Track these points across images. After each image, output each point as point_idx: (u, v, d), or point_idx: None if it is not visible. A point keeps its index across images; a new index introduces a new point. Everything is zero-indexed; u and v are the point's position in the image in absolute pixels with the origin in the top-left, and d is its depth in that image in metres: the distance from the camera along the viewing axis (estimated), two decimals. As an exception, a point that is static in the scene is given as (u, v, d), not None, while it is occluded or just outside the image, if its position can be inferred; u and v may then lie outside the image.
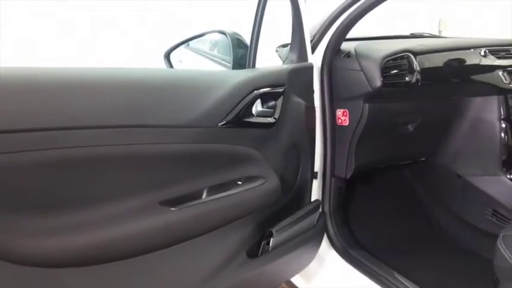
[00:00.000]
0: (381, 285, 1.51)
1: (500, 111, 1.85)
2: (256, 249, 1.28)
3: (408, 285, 1.47)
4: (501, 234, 1.18)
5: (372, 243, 1.77)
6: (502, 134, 1.85)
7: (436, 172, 2.10)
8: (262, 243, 1.29)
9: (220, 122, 1.09)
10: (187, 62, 1.91)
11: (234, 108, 1.12)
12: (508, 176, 1.83)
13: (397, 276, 1.51)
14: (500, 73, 1.79)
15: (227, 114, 1.11)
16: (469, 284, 1.56)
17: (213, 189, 1.10)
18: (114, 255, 0.96)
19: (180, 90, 1.09)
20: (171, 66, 1.79)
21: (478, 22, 3.60)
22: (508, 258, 1.09)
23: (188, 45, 1.86)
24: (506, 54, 1.85)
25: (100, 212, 0.93)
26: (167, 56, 1.79)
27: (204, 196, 1.08)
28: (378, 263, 1.59)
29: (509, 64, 1.83)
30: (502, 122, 1.85)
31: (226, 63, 1.60)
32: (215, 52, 1.83)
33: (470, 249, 1.85)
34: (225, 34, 1.58)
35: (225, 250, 1.18)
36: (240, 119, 1.14)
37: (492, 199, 1.86)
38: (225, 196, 1.11)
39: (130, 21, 2.89)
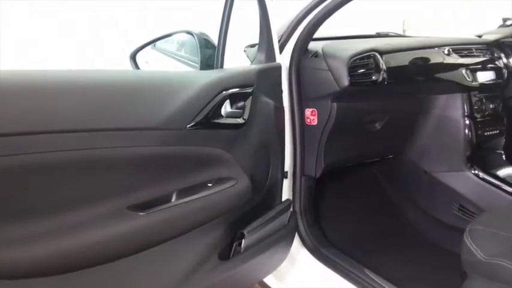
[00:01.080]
0: (352, 283, 1.52)
1: (464, 109, 1.90)
2: (228, 251, 1.27)
3: (379, 282, 1.49)
4: (467, 229, 1.20)
5: (342, 241, 1.78)
6: (466, 131, 1.89)
7: (404, 169, 2.14)
8: (234, 244, 1.28)
9: (189, 124, 1.08)
10: (154, 63, 1.88)
11: (202, 110, 1.11)
12: (473, 172, 1.87)
13: (368, 273, 1.53)
14: (464, 71, 1.84)
15: (196, 116, 1.09)
16: (437, 278, 1.59)
17: (183, 192, 1.08)
18: (83, 263, 0.93)
19: (147, 92, 1.07)
20: (137, 67, 1.75)
21: (438, 21, 3.69)
22: (474, 252, 1.11)
23: (155, 45, 1.83)
24: (469, 52, 1.90)
25: (65, 219, 0.90)
26: (133, 57, 1.75)
27: (173, 199, 1.07)
28: (348, 260, 1.60)
29: (471, 62, 1.88)
30: (466, 119, 1.90)
31: (194, 64, 1.58)
32: (182, 52, 1.81)
33: (438, 244, 1.89)
34: (192, 34, 1.56)
35: (197, 253, 1.17)
36: (209, 120, 1.12)
37: (458, 194, 1.90)
38: (195, 199, 1.09)
39: (130, 21, 2.84)
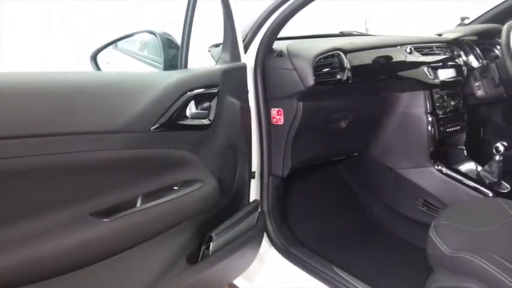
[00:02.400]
0: (321, 281, 1.53)
1: (427, 106, 1.93)
2: (196, 255, 1.25)
3: (347, 279, 1.50)
4: (432, 224, 1.22)
5: (311, 239, 1.79)
6: (429, 127, 1.93)
7: (369, 166, 2.16)
8: (202, 247, 1.26)
9: (153, 126, 1.05)
10: (115, 64, 1.84)
11: (167, 111, 1.08)
12: (436, 167, 1.91)
13: (336, 271, 1.54)
14: (425, 69, 1.88)
15: (160, 118, 1.06)
16: (404, 273, 1.62)
17: (148, 197, 1.05)
18: (45, 273, 0.90)
19: (108, 94, 1.04)
20: (98, 68, 1.71)
21: (398, 21, 3.77)
22: (439, 246, 1.13)
23: (116, 46, 1.79)
24: (430, 51, 1.94)
25: (25, 228, 0.86)
26: (94, 58, 1.70)
27: (138, 204, 1.04)
28: (317, 258, 1.61)
29: (433, 60, 1.92)
30: (428, 115, 1.93)
31: (157, 64, 1.55)
32: (145, 53, 1.78)
33: (405, 240, 1.93)
34: (154, 34, 1.53)
35: (164, 258, 1.14)
36: (173, 122, 1.10)
37: (422, 190, 1.94)
38: (160, 203, 1.07)
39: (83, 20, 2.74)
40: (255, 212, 1.47)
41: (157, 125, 1.06)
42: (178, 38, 1.42)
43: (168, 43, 1.49)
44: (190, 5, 1.32)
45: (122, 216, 0.99)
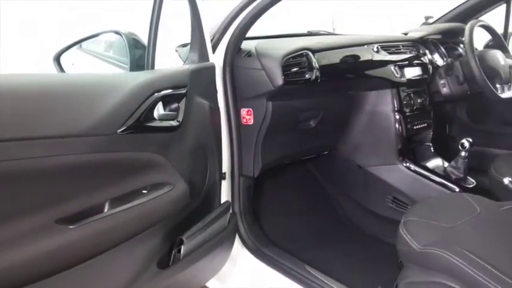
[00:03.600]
0: (293, 280, 1.54)
1: (394, 104, 1.96)
2: (167, 259, 1.23)
3: (319, 277, 1.51)
4: (402, 220, 1.24)
5: (283, 238, 1.79)
6: (397, 125, 1.96)
7: (339, 164, 2.18)
8: (173, 251, 1.24)
9: (120, 129, 1.02)
10: (80, 65, 1.79)
11: (134, 113, 1.05)
12: (404, 164, 1.94)
13: (308, 270, 1.55)
14: (392, 68, 1.90)
15: (127, 120, 1.03)
16: (375, 269, 1.63)
17: (116, 202, 1.03)
18: (9, 284, 0.86)
19: (73, 97, 1.00)
20: (62, 70, 1.66)
21: (365, 20, 3.83)
22: (409, 242, 1.15)
23: (81, 46, 1.75)
24: (396, 49, 1.97)
25: None
26: (57, 59, 1.65)
27: (106, 210, 1.01)
28: (289, 258, 1.62)
29: (399, 59, 1.94)
30: (395, 113, 1.96)
31: (124, 65, 1.52)
32: (111, 53, 1.74)
33: (375, 236, 1.95)
34: (120, 34, 1.50)
35: (134, 264, 1.12)
36: (141, 124, 1.07)
37: (391, 187, 1.97)
38: (129, 207, 1.04)
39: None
40: (226, 214, 1.46)
41: (124, 128, 1.03)
42: (144, 38, 1.39)
43: (134, 43, 1.46)
44: (157, 4, 1.29)
45: (89, 222, 0.96)
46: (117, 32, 1.54)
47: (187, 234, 1.25)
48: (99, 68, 1.77)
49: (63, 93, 1.00)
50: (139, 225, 1.10)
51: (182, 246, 1.23)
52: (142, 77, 1.17)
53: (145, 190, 1.11)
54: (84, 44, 1.73)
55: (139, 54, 1.44)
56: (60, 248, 0.92)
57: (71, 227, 0.93)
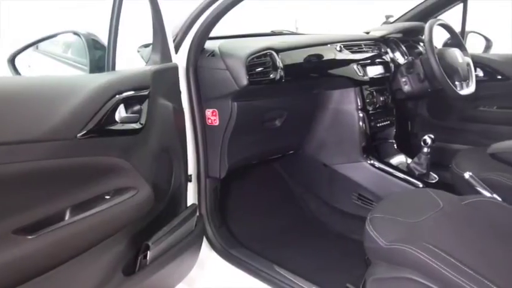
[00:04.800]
0: (262, 281, 1.54)
1: (357, 102, 1.99)
2: (133, 266, 1.20)
3: (288, 277, 1.52)
4: (368, 217, 1.25)
5: (251, 239, 1.79)
6: (360, 123, 1.99)
7: (305, 163, 2.19)
8: (139, 257, 1.21)
9: (80, 133, 0.98)
10: (37, 67, 1.73)
11: (94, 116, 1.02)
12: (369, 162, 1.97)
13: (277, 269, 1.56)
14: (355, 66, 1.92)
15: (86, 124, 1.00)
16: (343, 267, 1.65)
17: (77, 209, 0.99)
18: None
19: (29, 100, 0.96)
20: (17, 72, 1.59)
21: (327, 20, 3.87)
22: (376, 239, 1.16)
23: (37, 47, 1.69)
24: (359, 48, 1.99)
25: None
26: (11, 61, 1.58)
27: (66, 218, 0.97)
28: (258, 259, 1.62)
29: (362, 58, 1.97)
30: (359, 112, 1.99)
31: (83, 67, 1.47)
32: (69, 54, 1.68)
33: (343, 234, 1.97)
34: (78, 35, 1.45)
35: (98, 272, 1.08)
36: (102, 128, 1.04)
37: (356, 184, 1.99)
38: (91, 214, 1.01)
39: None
40: (193, 216, 1.44)
41: (84, 132, 0.99)
42: (104, 38, 1.35)
43: (93, 44, 1.41)
44: (116, 4, 1.26)
45: (49, 231, 0.92)
46: (75, 33, 1.49)
47: (153, 239, 1.22)
48: (57, 70, 1.72)
49: (18, 97, 0.95)
50: (103, 232, 1.07)
51: (148, 252, 1.21)
52: (102, 78, 1.13)
53: (108, 195, 1.07)
54: (41, 45, 1.67)
55: (99, 55, 1.39)
56: (18, 260, 0.88)
57: (30, 237, 0.89)
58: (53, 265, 0.95)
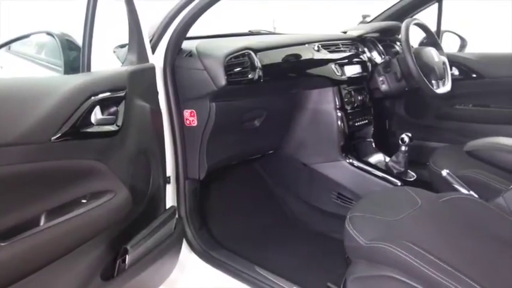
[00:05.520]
0: (243, 282, 1.53)
1: (335, 101, 2.00)
2: (111, 270, 1.18)
3: (269, 277, 1.51)
4: (348, 216, 1.25)
5: (232, 240, 1.78)
6: (339, 122, 1.99)
7: (284, 163, 2.19)
8: (118, 261, 1.19)
9: (54, 136, 0.96)
10: (9, 68, 1.69)
11: (69, 119, 0.99)
12: (347, 161, 1.98)
13: (258, 270, 1.55)
14: (333, 66, 1.93)
15: (61, 126, 0.97)
16: (324, 266, 1.65)
17: (53, 213, 0.97)
18: None
19: (1, 102, 0.93)
20: (-12, 74, 1.56)
21: (305, 20, 3.88)
22: (356, 237, 1.16)
23: (10, 48, 1.65)
24: (336, 48, 2.00)
25: None
26: (-18, 63, 1.55)
27: (42, 223, 0.95)
28: (239, 260, 1.61)
29: (339, 57, 1.98)
30: (337, 111, 2.00)
31: (57, 68, 1.45)
32: (43, 55, 1.65)
33: (323, 233, 1.97)
34: (52, 35, 1.42)
35: (75, 278, 1.06)
36: (77, 130, 1.01)
37: (336, 183, 2.00)
38: (67, 219, 0.98)
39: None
40: (172, 219, 1.42)
41: (59, 134, 0.97)
42: (79, 39, 1.32)
43: (67, 44, 1.39)
44: (91, 3, 1.23)
45: (24, 237, 0.90)
46: (49, 33, 1.46)
47: (131, 243, 1.21)
48: (31, 71, 1.68)
49: None
50: (80, 237, 1.05)
51: (127, 256, 1.19)
52: (77, 80, 1.11)
53: (85, 199, 1.06)
54: (13, 45, 1.64)
55: (74, 56, 1.37)
56: None
57: (3, 244, 0.87)
58: (27, 272, 0.93)
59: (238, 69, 1.56)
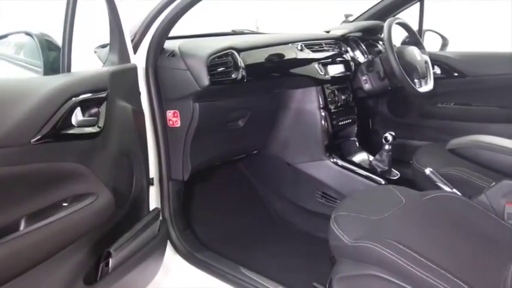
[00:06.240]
0: (228, 283, 1.52)
1: (319, 101, 2.00)
2: (94, 274, 1.17)
3: (255, 278, 1.51)
4: (332, 215, 1.26)
5: (216, 241, 1.77)
6: (322, 122, 2.00)
7: (269, 163, 2.19)
8: (101, 265, 1.18)
9: (34, 138, 0.94)
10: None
11: (49, 120, 0.97)
12: (331, 160, 1.98)
13: (243, 271, 1.55)
14: (316, 65, 1.93)
15: (41, 128, 0.95)
16: (309, 266, 1.65)
17: (33, 217, 0.95)
18: None
19: None
20: (-35, 75, 1.52)
21: (288, 20, 3.88)
22: (340, 237, 1.16)
23: (-14, 49, 1.61)
24: (320, 47, 2.01)
25: None
26: (-41, 64, 1.51)
27: (22, 227, 0.93)
28: (224, 261, 1.60)
29: (323, 56, 1.98)
30: (321, 110, 2.00)
31: (37, 68, 1.41)
32: (21, 56, 1.61)
33: (308, 232, 1.98)
34: (31, 35, 1.39)
35: (58, 283, 1.04)
36: (57, 132, 0.99)
37: (320, 182, 2.00)
38: (48, 223, 0.96)
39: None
40: (156, 221, 1.41)
41: (39, 137, 0.95)
42: (58, 39, 1.30)
43: (47, 45, 1.36)
44: (70, 2, 1.21)
45: (2, 243, 0.87)
46: (27, 33, 1.43)
47: (115, 246, 1.19)
48: (9, 72, 1.64)
49: None
50: (62, 241, 1.03)
51: (110, 259, 1.17)
52: (57, 80, 1.09)
53: (66, 203, 1.04)
54: (-10, 46, 1.60)
55: (54, 57, 1.34)
56: None
57: None
58: (7, 279, 0.91)
59: (222, 69, 1.55)
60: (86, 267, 1.14)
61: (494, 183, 1.33)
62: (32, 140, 0.93)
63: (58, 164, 1.01)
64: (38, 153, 0.95)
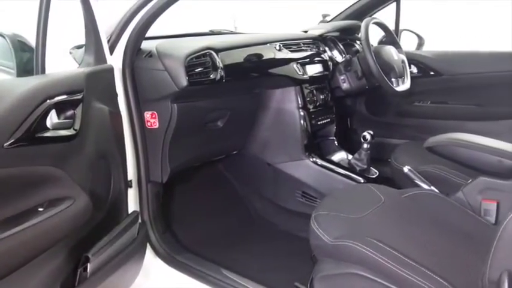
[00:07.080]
0: (209, 285, 1.52)
1: (298, 101, 2.00)
2: (72, 279, 1.15)
3: (236, 280, 1.51)
4: (313, 215, 1.26)
5: (197, 243, 1.76)
6: (301, 121, 2.00)
7: (248, 163, 2.18)
8: (79, 270, 1.16)
9: (7, 142, 0.91)
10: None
11: (22, 123, 0.95)
12: (311, 159, 1.99)
13: (224, 272, 1.54)
14: (295, 65, 1.93)
15: (15, 131, 0.93)
16: (291, 266, 1.65)
17: (7, 223, 0.92)
18: None
19: None
20: None
21: (266, 19, 3.88)
22: (321, 236, 1.17)
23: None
24: (298, 47, 2.01)
25: None
26: None
27: None
28: (204, 263, 1.60)
29: (301, 56, 1.98)
30: (300, 110, 2.00)
31: (10, 70, 1.38)
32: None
33: (289, 232, 1.98)
34: (3, 36, 1.36)
35: None
36: (32, 135, 0.97)
37: (300, 182, 2.01)
38: (23, 229, 0.94)
39: None
40: (134, 224, 1.40)
41: (12, 140, 0.92)
42: (32, 40, 1.27)
43: (19, 45, 1.33)
44: (44, 2, 1.18)
45: None
46: (-1, 34, 1.39)
47: (93, 251, 1.17)
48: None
49: None
50: (38, 247, 1.01)
51: (88, 264, 1.15)
52: (31, 82, 1.07)
53: (42, 207, 1.01)
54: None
55: (27, 58, 1.32)
56: None
57: None
58: None
59: (200, 69, 1.54)
60: (63, 273, 1.12)
61: (470, 180, 1.36)
62: (5, 144, 0.91)
63: (33, 168, 0.99)
64: (11, 158, 0.93)
